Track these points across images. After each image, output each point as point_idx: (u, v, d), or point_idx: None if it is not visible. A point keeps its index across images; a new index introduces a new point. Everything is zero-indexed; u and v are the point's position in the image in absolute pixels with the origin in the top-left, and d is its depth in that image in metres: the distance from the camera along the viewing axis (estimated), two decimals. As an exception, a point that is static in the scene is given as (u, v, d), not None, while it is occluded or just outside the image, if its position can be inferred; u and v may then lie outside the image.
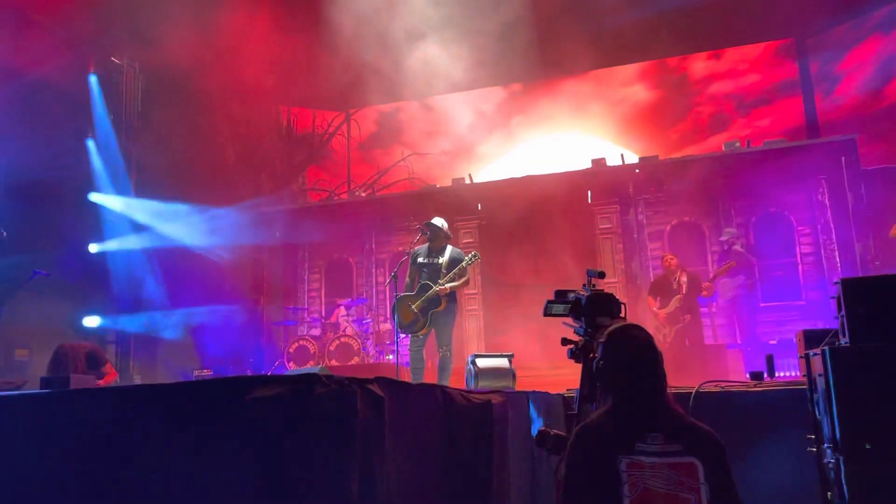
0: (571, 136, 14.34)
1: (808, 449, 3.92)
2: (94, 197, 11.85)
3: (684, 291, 9.09)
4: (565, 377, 7.44)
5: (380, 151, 15.77)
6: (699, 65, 14.45)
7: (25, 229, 9.74)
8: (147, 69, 12.74)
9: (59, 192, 10.74)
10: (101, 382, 7.30)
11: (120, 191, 12.17)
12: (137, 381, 11.18)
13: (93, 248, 11.70)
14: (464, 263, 6.90)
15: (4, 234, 8.44)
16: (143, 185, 12.55)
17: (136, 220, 12.14)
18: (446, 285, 6.87)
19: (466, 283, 7.11)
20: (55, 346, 7.30)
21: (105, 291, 11.69)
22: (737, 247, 9.94)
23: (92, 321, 11.40)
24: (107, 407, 2.35)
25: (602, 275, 3.38)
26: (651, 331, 7.94)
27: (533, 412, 4.38)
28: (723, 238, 10.31)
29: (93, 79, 12.03)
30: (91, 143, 11.91)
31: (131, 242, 11.97)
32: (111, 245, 11.83)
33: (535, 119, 14.78)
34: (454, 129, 14.84)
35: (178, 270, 12.20)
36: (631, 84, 14.79)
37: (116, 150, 12.19)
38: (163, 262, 12.25)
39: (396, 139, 15.65)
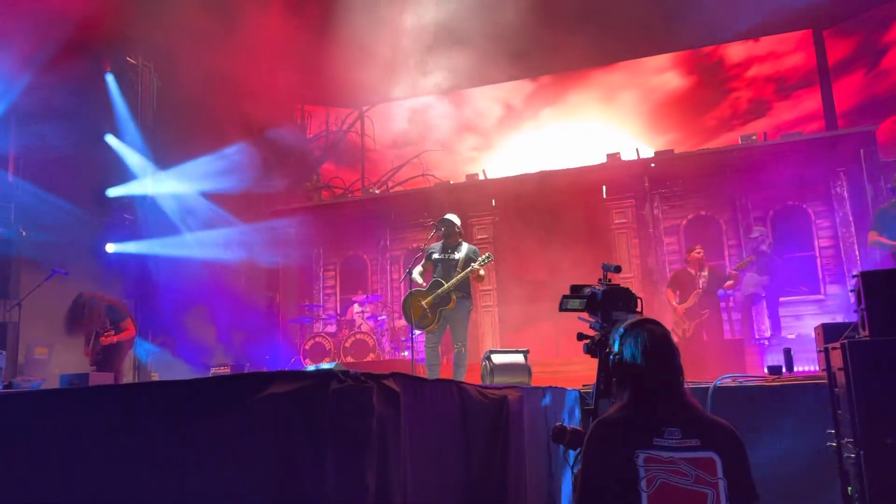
0: (601, 128, 14.14)
1: (828, 444, 3.89)
2: (112, 191, 11.97)
3: (704, 286, 8.99)
4: (581, 373, 7.42)
5: (411, 149, 15.60)
6: (735, 49, 14.03)
7: (45, 225, 9.88)
8: (162, 69, 12.83)
9: (78, 187, 10.86)
10: (118, 337, 7.42)
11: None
12: (155, 378, 11.28)
13: (109, 247, 11.80)
14: (475, 264, 6.86)
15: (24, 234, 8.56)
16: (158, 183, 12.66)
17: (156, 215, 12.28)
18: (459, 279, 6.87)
19: (481, 279, 7.07)
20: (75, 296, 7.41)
21: (122, 290, 11.79)
22: (764, 247, 9.83)
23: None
24: (122, 404, 2.37)
25: (618, 269, 3.36)
26: (670, 325, 7.87)
27: (549, 407, 4.38)
28: (753, 235, 10.22)
29: (110, 77, 12.15)
30: (112, 139, 12.03)
31: (146, 246, 12.07)
32: (129, 247, 11.93)
33: (565, 110, 14.63)
34: (483, 124, 14.74)
35: (192, 269, 12.29)
36: (663, 71, 14.47)
37: (139, 146, 12.31)
38: (179, 261, 12.34)
39: (426, 136, 15.51)
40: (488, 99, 15.44)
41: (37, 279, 8.96)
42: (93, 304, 7.40)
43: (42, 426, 2.41)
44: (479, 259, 6.90)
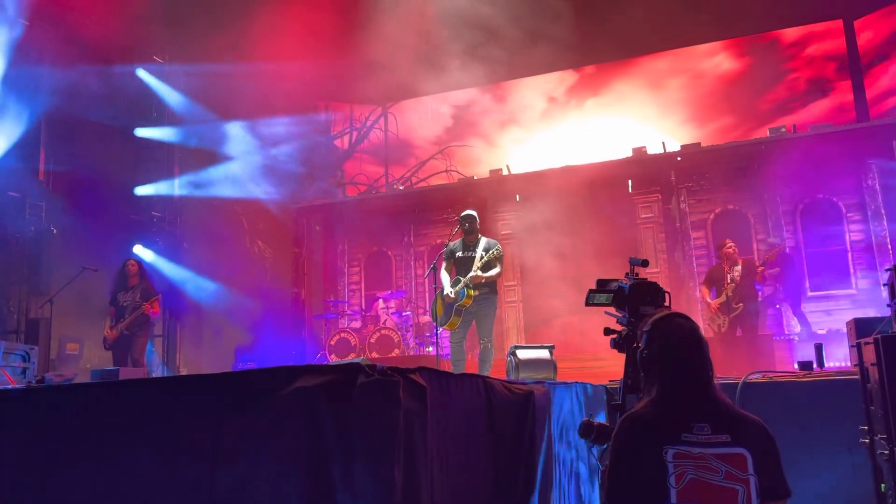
0: (648, 116, 13.74)
1: (861, 440, 3.82)
2: (140, 190, 12.14)
3: (738, 280, 8.84)
4: (607, 368, 7.40)
5: (470, 145, 15.33)
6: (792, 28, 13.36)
7: (74, 223, 10.04)
8: (188, 67, 12.97)
9: (107, 188, 11.01)
10: (151, 308, 7.81)
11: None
12: (184, 372, 11.43)
13: (137, 248, 11.95)
14: (487, 256, 6.88)
15: None
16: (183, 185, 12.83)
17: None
18: (479, 273, 6.87)
19: (498, 274, 7.05)
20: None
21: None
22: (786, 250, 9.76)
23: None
24: (152, 398, 2.39)
25: (645, 263, 3.33)
26: (704, 322, 7.79)
27: (576, 403, 4.36)
28: (770, 242, 10.13)
29: (142, 71, 12.30)
30: (141, 131, 12.21)
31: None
32: (148, 255, 12.06)
33: (610, 100, 14.28)
34: (526, 117, 14.57)
35: (220, 263, 12.42)
36: (713, 55, 13.94)
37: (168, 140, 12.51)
38: (207, 256, 12.48)
39: (470, 131, 15.33)
40: (530, 91, 15.10)
41: (68, 276, 9.12)
42: (132, 273, 7.94)
43: (74, 420, 2.45)
44: (487, 254, 6.90)
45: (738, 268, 8.92)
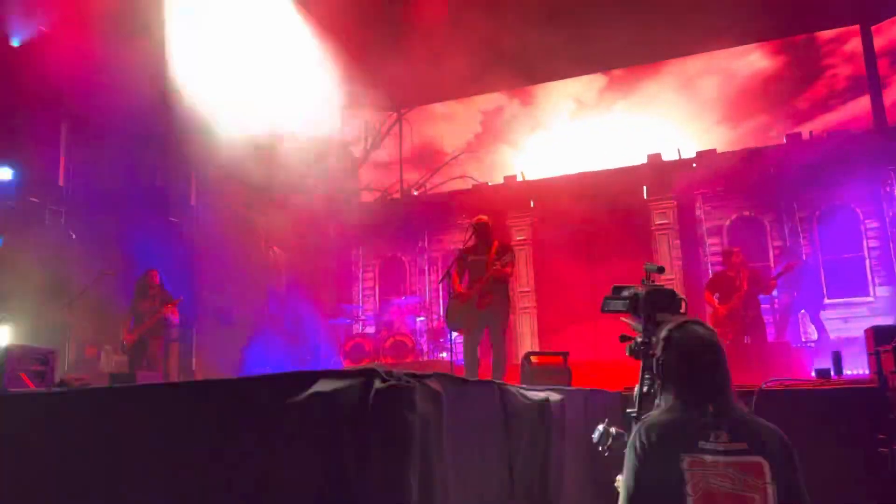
0: (679, 117, 13.35)
1: (879, 449, 3.78)
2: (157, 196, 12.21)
3: (746, 288, 8.82)
4: (622, 375, 7.35)
5: (485, 151, 15.09)
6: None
7: (93, 229, 10.13)
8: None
9: (126, 194, 11.10)
10: (170, 312, 7.88)
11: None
12: (199, 378, 11.47)
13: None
14: (502, 261, 6.89)
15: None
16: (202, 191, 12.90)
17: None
18: (497, 266, 6.87)
19: (506, 277, 7.05)
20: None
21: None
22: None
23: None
24: (169, 402, 2.41)
25: (661, 270, 3.32)
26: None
27: (591, 410, 4.34)
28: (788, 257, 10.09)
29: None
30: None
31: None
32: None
33: (640, 102, 13.91)
34: (554, 122, 14.44)
35: (236, 268, 12.48)
36: (747, 54, 13.44)
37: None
38: (222, 261, 12.54)
39: (499, 138, 15.04)
40: (558, 95, 14.76)
41: (86, 281, 9.20)
42: (152, 282, 8.05)
43: (92, 425, 2.47)
44: (501, 261, 6.91)
45: (744, 276, 8.90)
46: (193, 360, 12.23)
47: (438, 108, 15.61)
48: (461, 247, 7.53)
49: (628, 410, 3.24)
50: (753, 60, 13.46)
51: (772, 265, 10.82)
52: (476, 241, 7.27)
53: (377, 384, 2.01)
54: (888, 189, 10.79)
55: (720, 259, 11.39)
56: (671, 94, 13.57)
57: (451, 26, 11.19)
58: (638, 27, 11.84)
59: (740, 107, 13.17)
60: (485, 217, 7.36)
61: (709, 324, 7.55)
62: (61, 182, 10.72)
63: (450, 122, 15.59)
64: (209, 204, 12.86)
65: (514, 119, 14.94)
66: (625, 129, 13.72)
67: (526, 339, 12.02)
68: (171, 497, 2.25)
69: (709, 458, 2.27)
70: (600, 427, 3.04)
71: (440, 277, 10.77)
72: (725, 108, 13.27)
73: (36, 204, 10.20)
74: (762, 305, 9.35)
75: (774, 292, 9.57)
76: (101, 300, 9.54)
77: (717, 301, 9.01)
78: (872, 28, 12.76)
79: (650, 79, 14.00)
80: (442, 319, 11.26)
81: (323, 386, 2.07)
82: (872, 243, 10.91)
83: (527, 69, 12.27)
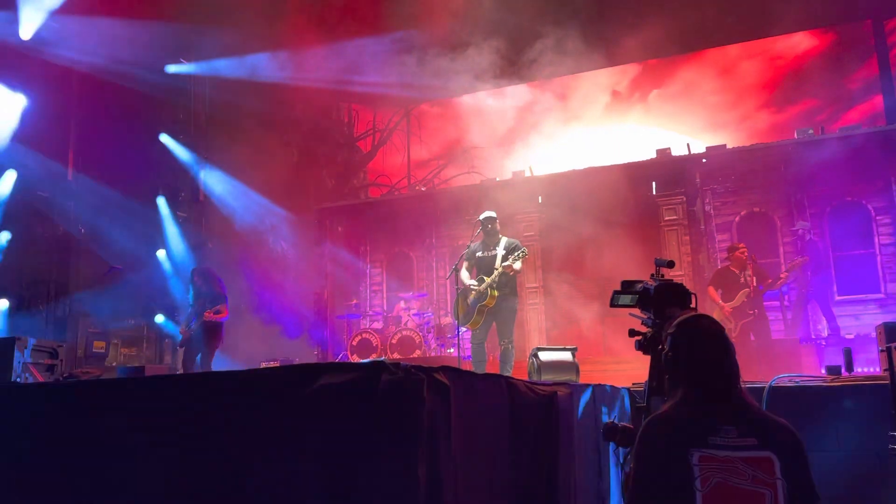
0: (718, 105, 13.02)
1: (891, 446, 3.76)
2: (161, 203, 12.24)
3: (753, 285, 8.78)
4: (630, 371, 7.33)
5: (519, 143, 14.73)
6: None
7: (102, 224, 10.18)
8: (214, 71, 13.10)
9: (134, 190, 11.15)
10: (214, 316, 7.93)
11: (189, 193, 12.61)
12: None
13: (160, 253, 12.05)
14: (507, 262, 6.86)
15: None
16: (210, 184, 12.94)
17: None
18: (508, 263, 6.86)
19: (516, 273, 7.01)
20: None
21: (175, 286, 12.06)
22: (809, 237, 9.60)
23: (159, 318, 11.81)
24: (178, 394, 2.42)
25: (671, 264, 3.29)
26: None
27: (599, 405, 4.32)
28: (795, 228, 9.98)
29: (169, 73, 12.42)
30: (165, 138, 12.32)
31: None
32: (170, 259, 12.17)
33: (676, 91, 13.61)
34: (588, 114, 14.17)
35: (244, 263, 12.52)
36: (791, 34, 12.82)
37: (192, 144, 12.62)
38: (231, 256, 12.58)
39: (533, 130, 14.63)
40: (592, 86, 14.47)
41: (95, 275, 9.25)
42: (200, 280, 8.11)
43: (102, 414, 2.48)
44: (513, 256, 6.89)
45: (749, 273, 8.85)
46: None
47: (485, 102, 15.10)
48: (469, 242, 7.52)
49: (637, 405, 3.22)
50: (798, 41, 12.88)
51: (781, 261, 10.74)
52: (484, 236, 7.26)
53: (385, 377, 2.01)
54: (900, 185, 10.70)
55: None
56: (710, 80, 13.11)
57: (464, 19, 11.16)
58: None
59: (785, 91, 12.71)
60: (493, 213, 7.34)
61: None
62: (70, 177, 10.77)
63: (498, 115, 15.12)
64: (216, 199, 12.90)
65: (549, 111, 14.53)
66: (665, 119, 13.40)
67: (534, 334, 11.98)
68: (179, 487, 2.25)
69: (718, 452, 2.25)
70: (609, 422, 3.03)
71: (448, 273, 10.76)
72: (768, 93, 12.79)
73: (45, 198, 10.25)
74: (773, 301, 9.30)
75: (784, 287, 9.49)
76: (110, 295, 9.59)
77: (720, 297, 8.97)
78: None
79: (687, 65, 13.56)
80: (450, 315, 11.26)
81: (331, 379, 2.06)
82: (884, 240, 10.82)
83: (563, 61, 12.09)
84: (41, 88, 9.85)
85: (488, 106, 14.99)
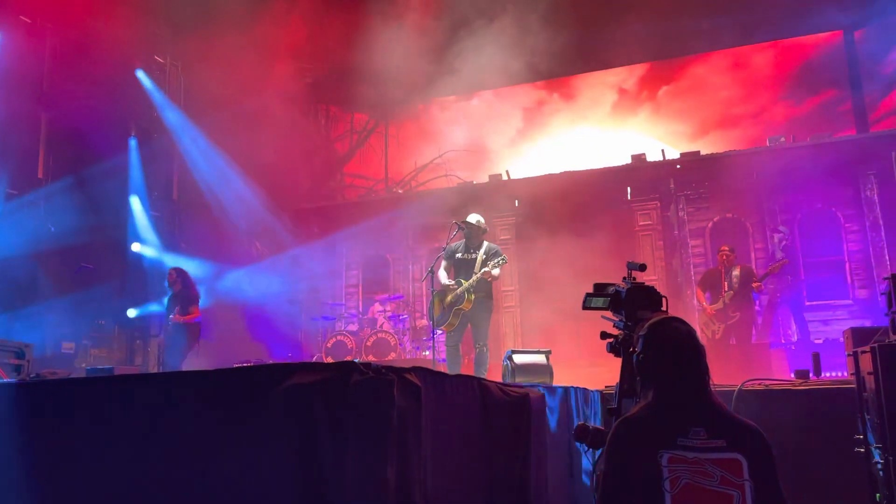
0: (731, 99, 12.75)
1: (856, 449, 3.81)
2: (133, 201, 12.05)
3: (737, 287, 8.82)
4: (603, 374, 7.34)
5: (527, 146, 14.44)
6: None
7: (72, 222, 10.01)
8: (189, 68, 12.97)
9: (106, 188, 10.98)
10: (183, 318, 7.80)
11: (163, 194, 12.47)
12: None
13: (135, 246, 11.89)
14: (486, 268, 6.88)
15: None
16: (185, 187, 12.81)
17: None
18: (487, 269, 6.87)
19: (494, 279, 7.03)
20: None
21: (147, 287, 11.88)
22: (786, 242, 9.74)
23: (132, 312, 11.64)
24: (147, 392, 2.39)
25: (643, 267, 3.32)
26: (699, 327, 7.79)
27: (571, 407, 4.34)
28: (778, 236, 10.13)
29: (141, 73, 12.26)
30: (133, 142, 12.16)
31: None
32: (148, 250, 12.01)
33: (686, 86, 13.43)
34: (597, 114, 14.02)
35: (218, 263, 12.41)
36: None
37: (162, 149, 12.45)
38: (204, 257, 12.45)
39: (542, 132, 14.49)
40: (599, 85, 14.25)
41: (65, 274, 9.10)
42: (173, 282, 8.09)
43: (69, 415, 2.44)
44: (493, 262, 6.91)
45: (736, 273, 8.90)
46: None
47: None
48: (446, 243, 7.51)
49: (609, 407, 3.24)
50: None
51: (754, 268, 10.89)
52: (467, 238, 7.25)
53: (355, 377, 2.00)
54: (868, 193, 10.90)
55: (703, 261, 11.48)
56: (721, 74, 12.97)
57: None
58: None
59: (806, 81, 12.52)
60: (481, 217, 7.34)
61: (698, 321, 7.53)
62: (40, 174, 10.59)
63: (506, 116, 14.85)
64: (190, 198, 12.77)
65: (557, 112, 14.42)
66: (674, 116, 13.27)
67: (508, 337, 12.01)
68: (147, 485, 2.22)
69: (688, 454, 2.27)
70: (580, 423, 3.04)
71: (423, 275, 10.75)
72: (786, 84, 12.66)
73: (15, 196, 10.07)
74: (755, 305, 9.36)
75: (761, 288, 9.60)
76: (80, 294, 9.44)
77: (706, 300, 9.04)
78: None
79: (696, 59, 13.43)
80: (426, 317, 11.24)
81: (300, 378, 2.05)
82: (852, 246, 11.01)
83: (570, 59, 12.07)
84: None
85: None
